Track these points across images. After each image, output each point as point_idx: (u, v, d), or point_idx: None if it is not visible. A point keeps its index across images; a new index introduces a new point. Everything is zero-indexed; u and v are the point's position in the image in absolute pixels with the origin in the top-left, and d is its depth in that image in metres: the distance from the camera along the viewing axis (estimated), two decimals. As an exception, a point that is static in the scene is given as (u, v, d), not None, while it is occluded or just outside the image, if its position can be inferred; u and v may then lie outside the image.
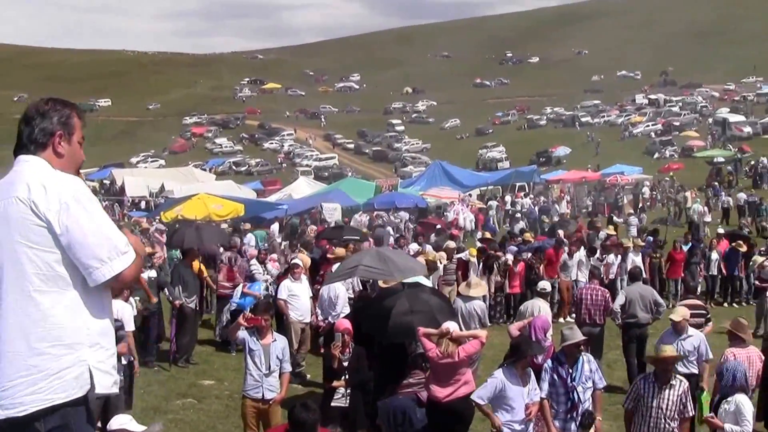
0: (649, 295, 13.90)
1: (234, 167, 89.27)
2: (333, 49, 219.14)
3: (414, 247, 22.61)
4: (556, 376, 8.88)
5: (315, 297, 14.70)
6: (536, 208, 41.40)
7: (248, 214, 33.91)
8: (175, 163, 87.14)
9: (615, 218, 35.69)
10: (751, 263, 21.39)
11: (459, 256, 19.76)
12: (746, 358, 9.83)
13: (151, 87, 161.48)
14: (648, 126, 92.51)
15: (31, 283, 3.20)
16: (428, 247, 21.50)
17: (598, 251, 21.32)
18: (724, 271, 22.45)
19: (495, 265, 19.58)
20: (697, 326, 12.43)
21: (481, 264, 19.51)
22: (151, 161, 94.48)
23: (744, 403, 8.11)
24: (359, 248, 18.45)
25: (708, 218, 35.58)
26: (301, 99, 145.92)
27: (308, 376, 13.92)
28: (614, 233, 25.34)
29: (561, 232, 23.95)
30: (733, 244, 22.81)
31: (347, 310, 13.70)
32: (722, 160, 61.18)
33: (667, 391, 8.11)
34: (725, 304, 22.19)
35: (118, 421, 6.47)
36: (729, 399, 8.21)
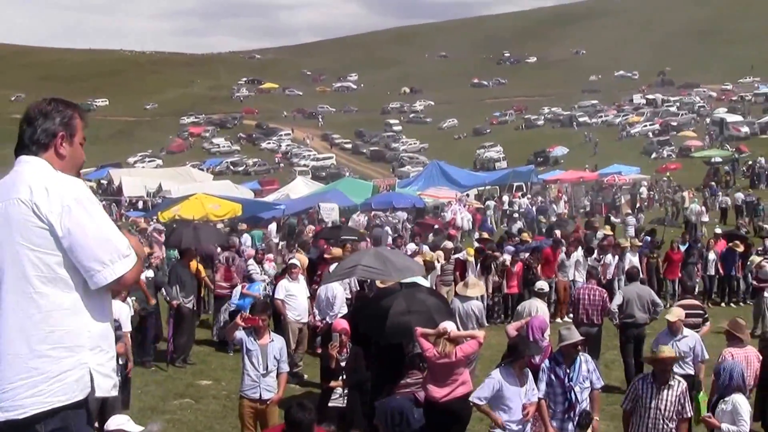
0: (646, 295, 13.91)
1: (231, 167, 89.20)
2: (331, 49, 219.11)
3: (411, 247, 22.62)
4: (553, 376, 8.88)
5: (312, 297, 14.70)
6: (534, 208, 41.44)
7: (246, 214, 33.93)
8: (172, 163, 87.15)
9: (612, 218, 35.73)
10: (748, 263, 21.40)
11: (457, 256, 19.77)
12: (744, 358, 9.84)
13: (148, 87, 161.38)
14: (645, 126, 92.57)
15: (32, 285, 3.19)
16: (425, 248, 21.50)
17: (596, 251, 21.33)
18: (721, 271, 22.48)
19: (492, 266, 19.59)
20: (695, 326, 12.45)
21: (479, 264, 19.51)
22: (149, 161, 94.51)
23: (741, 403, 8.12)
24: (357, 248, 18.45)
25: (705, 218, 35.64)
26: (298, 99, 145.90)
27: (305, 376, 13.91)
28: (611, 233, 25.35)
29: (558, 232, 23.97)
30: (730, 244, 22.83)
31: (345, 310, 13.70)
32: (720, 160, 61.23)
33: (665, 391, 8.11)
34: (722, 304, 22.23)
35: (116, 421, 6.46)
36: (726, 399, 8.21)
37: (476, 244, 22.39)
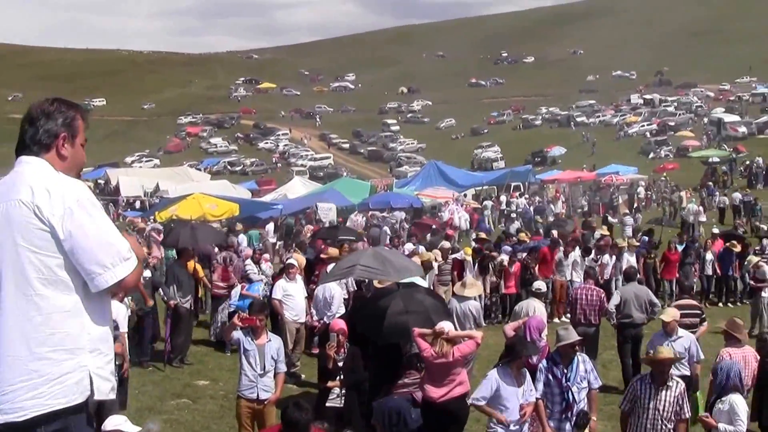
0: (644, 295, 13.90)
1: (229, 167, 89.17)
2: (328, 49, 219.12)
3: (409, 246, 22.62)
4: (551, 376, 8.88)
5: (310, 297, 14.68)
6: (531, 208, 41.44)
7: (243, 214, 33.92)
8: (169, 163, 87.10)
9: (610, 218, 35.74)
10: (746, 263, 21.41)
11: (454, 256, 19.76)
12: (742, 358, 9.84)
13: (145, 86, 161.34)
14: (643, 126, 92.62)
15: (33, 287, 3.17)
16: (421, 248, 21.47)
17: (593, 251, 21.33)
18: (718, 271, 22.49)
19: (490, 266, 19.59)
20: (692, 326, 12.46)
21: (477, 264, 19.50)
22: (146, 161, 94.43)
23: (738, 403, 8.12)
24: (354, 249, 18.43)
25: (703, 218, 35.67)
26: (296, 99, 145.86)
27: (303, 376, 13.90)
28: (608, 233, 25.37)
29: (555, 232, 23.98)
30: (727, 244, 22.85)
31: (342, 310, 13.69)
32: (717, 160, 61.28)
33: (663, 392, 8.10)
34: (720, 304, 22.26)
35: (113, 422, 6.45)
36: (723, 399, 8.21)
37: (473, 244, 22.40)
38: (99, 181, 66.17)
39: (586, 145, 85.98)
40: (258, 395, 9.25)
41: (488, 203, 43.65)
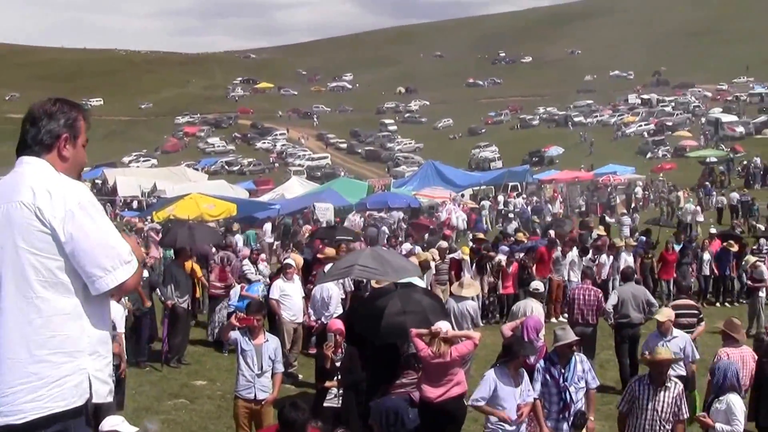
0: (641, 295, 13.92)
1: (226, 167, 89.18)
2: (326, 49, 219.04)
3: (407, 246, 22.62)
4: (548, 376, 8.88)
5: (307, 297, 14.68)
6: (529, 208, 41.45)
7: (240, 214, 33.93)
8: (167, 163, 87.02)
9: (607, 218, 35.74)
10: (743, 263, 21.41)
11: (452, 255, 19.75)
12: (740, 358, 9.85)
13: (143, 86, 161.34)
14: (641, 126, 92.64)
15: (33, 289, 3.16)
16: (417, 249, 21.47)
17: (591, 251, 21.33)
18: (715, 271, 22.50)
19: (488, 266, 19.58)
20: (690, 326, 12.48)
21: (474, 264, 19.50)
22: (144, 161, 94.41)
23: (735, 403, 8.12)
24: (351, 249, 18.43)
25: (700, 218, 35.69)
26: (293, 98, 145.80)
27: (300, 376, 13.89)
28: (604, 234, 25.38)
29: (552, 232, 23.97)
30: (725, 243, 22.85)
31: (340, 310, 13.69)
32: (715, 160, 61.28)
33: (662, 393, 8.09)
34: (717, 304, 22.25)
35: (110, 422, 6.43)
36: (721, 398, 8.21)
37: (471, 244, 22.39)
38: (96, 180, 66.17)
39: (584, 145, 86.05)
40: (255, 395, 9.25)
41: (486, 203, 43.66)
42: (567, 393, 8.78)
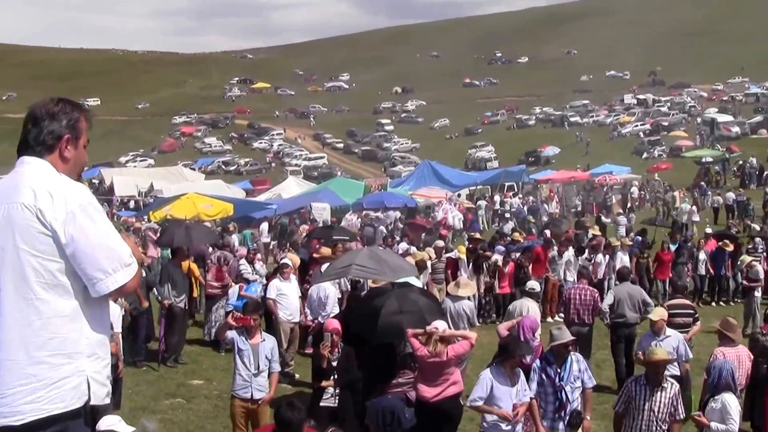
0: (637, 294, 13.94)
1: (223, 167, 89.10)
2: (322, 49, 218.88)
3: (403, 246, 22.63)
4: (544, 376, 8.90)
5: (304, 297, 14.68)
6: (525, 208, 41.48)
7: (237, 214, 33.92)
8: (164, 163, 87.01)
9: (603, 218, 35.79)
10: (738, 262, 21.44)
11: (449, 255, 19.77)
12: (736, 357, 9.87)
13: (140, 86, 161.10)
14: (637, 126, 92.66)
15: (33, 291, 3.15)
16: (413, 249, 21.47)
17: (587, 251, 21.36)
18: (711, 270, 22.53)
19: (484, 265, 19.60)
20: (685, 326, 12.51)
21: (471, 264, 19.51)
22: (140, 160, 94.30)
23: (730, 402, 8.14)
24: (347, 248, 18.42)
25: (696, 218, 35.73)
26: (290, 98, 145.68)
27: (297, 375, 13.89)
28: (599, 233, 25.40)
29: (548, 232, 24.00)
30: (720, 243, 22.89)
31: (337, 309, 13.69)
32: (710, 160, 61.24)
33: (658, 393, 8.09)
34: (713, 304, 22.29)
35: (107, 422, 6.43)
36: (716, 397, 8.23)
37: (467, 244, 22.41)
38: (93, 180, 66.08)
39: (580, 145, 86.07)
40: (252, 395, 9.26)
41: (482, 203, 43.71)
42: (563, 393, 8.80)
